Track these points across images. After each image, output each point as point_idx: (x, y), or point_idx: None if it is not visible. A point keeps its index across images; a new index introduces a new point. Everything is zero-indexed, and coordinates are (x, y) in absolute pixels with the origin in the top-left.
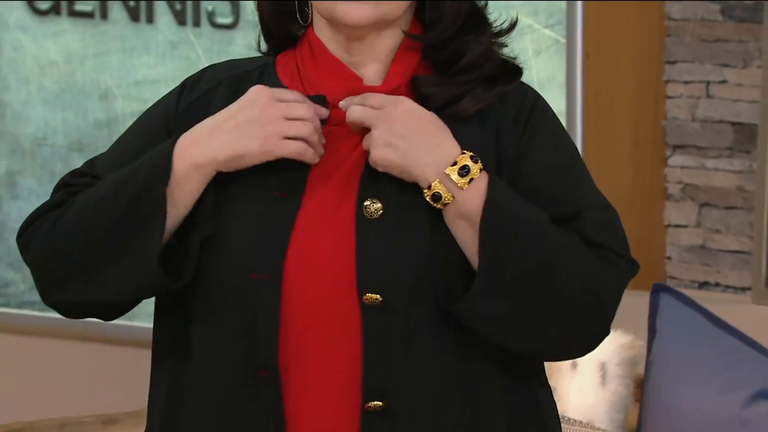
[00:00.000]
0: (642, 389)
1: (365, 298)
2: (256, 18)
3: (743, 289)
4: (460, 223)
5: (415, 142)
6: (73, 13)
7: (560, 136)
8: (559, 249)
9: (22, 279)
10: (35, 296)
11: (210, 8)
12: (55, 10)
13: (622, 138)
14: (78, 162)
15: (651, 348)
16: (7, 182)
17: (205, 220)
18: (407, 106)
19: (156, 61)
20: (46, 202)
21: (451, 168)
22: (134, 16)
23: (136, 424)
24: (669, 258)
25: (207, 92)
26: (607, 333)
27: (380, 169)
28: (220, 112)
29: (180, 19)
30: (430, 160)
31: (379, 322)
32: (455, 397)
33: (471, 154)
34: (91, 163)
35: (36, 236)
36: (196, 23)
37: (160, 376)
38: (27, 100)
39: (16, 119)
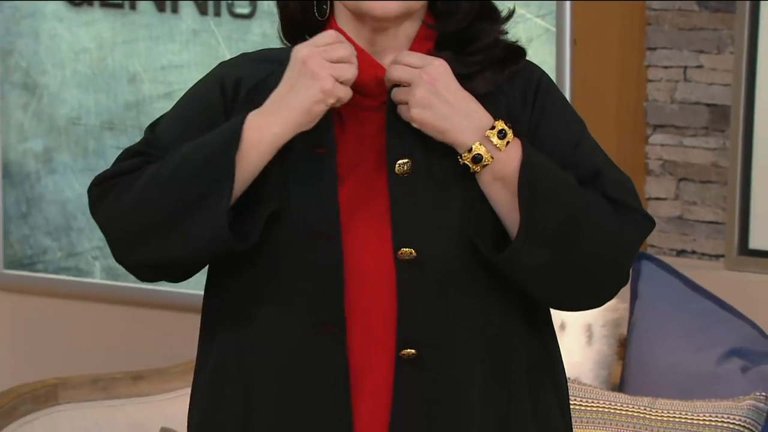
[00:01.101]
0: (624, 348)
1: (400, 252)
2: (272, 9)
3: (717, 257)
4: (496, 183)
5: (456, 108)
6: (105, 4)
7: (567, 107)
8: (588, 205)
9: (58, 247)
10: (71, 263)
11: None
12: (88, 1)
13: (607, 118)
14: (109, 140)
15: (633, 311)
16: (45, 158)
17: (272, 198)
18: (445, 68)
19: (180, 48)
20: (122, 164)
21: (490, 131)
22: (160, 6)
23: (162, 381)
24: None
25: (263, 80)
26: (626, 283)
27: (415, 125)
28: (278, 87)
29: (202, 9)
30: (469, 124)
31: (413, 276)
32: (480, 345)
33: (504, 120)
34: (152, 129)
35: (110, 197)
36: (217, 13)
37: (211, 339)
38: (62, 83)
39: (52, 101)
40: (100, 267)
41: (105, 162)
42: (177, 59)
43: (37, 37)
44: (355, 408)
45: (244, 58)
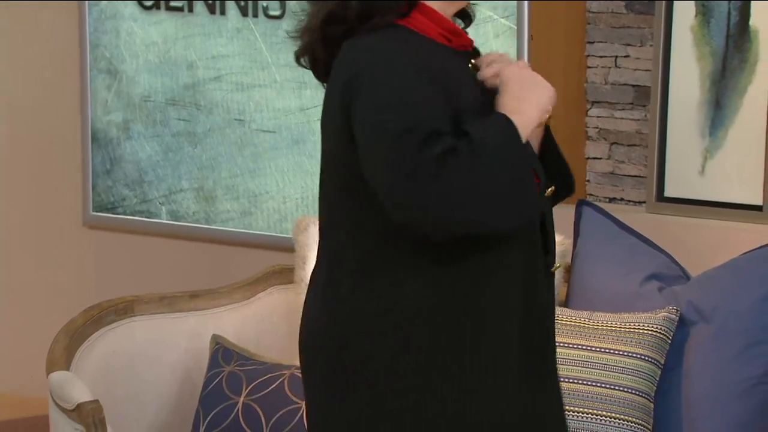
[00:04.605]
0: (569, 273)
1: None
2: (298, 10)
3: (640, 203)
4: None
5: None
6: (169, 8)
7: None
8: None
9: (134, 195)
10: (143, 207)
11: (265, 4)
12: (156, 5)
13: (556, 96)
14: (172, 113)
15: (575, 244)
16: (123, 127)
17: None
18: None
19: (226, 42)
20: (442, 155)
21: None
22: (211, 10)
23: (213, 298)
24: (588, 181)
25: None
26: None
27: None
28: (516, 91)
29: (243, 12)
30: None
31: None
32: None
33: None
34: (426, 122)
35: (440, 183)
36: (255, 15)
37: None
38: (137, 69)
39: (129, 83)
40: (166, 210)
41: (169, 130)
42: (224, 50)
43: (118, 33)
44: None
45: (401, 52)
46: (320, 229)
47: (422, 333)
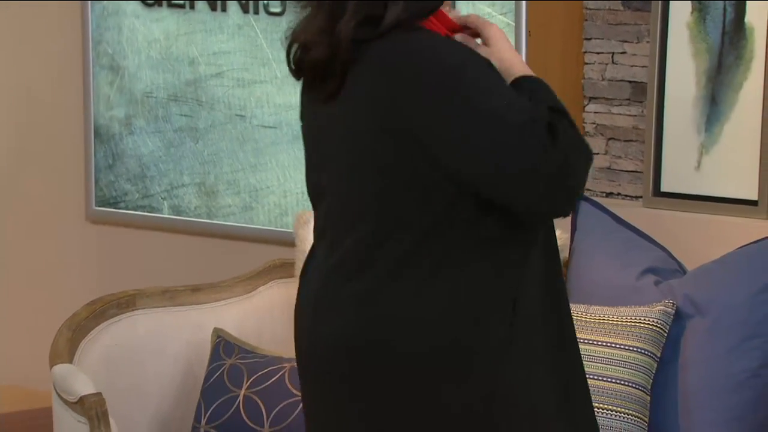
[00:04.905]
0: (566, 268)
1: None
2: (299, 7)
3: (637, 197)
4: None
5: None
6: (171, 5)
7: None
8: None
9: (136, 190)
10: (145, 202)
11: (265, 1)
12: (158, 2)
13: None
14: (173, 108)
15: (573, 238)
16: (126, 123)
17: None
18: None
19: (227, 38)
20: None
21: None
22: (213, 6)
23: (215, 292)
24: None
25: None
26: None
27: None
28: (504, 51)
29: (244, 8)
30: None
31: None
32: None
33: None
34: (532, 105)
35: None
36: (256, 12)
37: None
38: (139, 65)
39: (131, 78)
40: (168, 205)
41: (171, 125)
42: (225, 47)
43: (120, 30)
44: None
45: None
46: (329, 228)
47: (422, 334)
